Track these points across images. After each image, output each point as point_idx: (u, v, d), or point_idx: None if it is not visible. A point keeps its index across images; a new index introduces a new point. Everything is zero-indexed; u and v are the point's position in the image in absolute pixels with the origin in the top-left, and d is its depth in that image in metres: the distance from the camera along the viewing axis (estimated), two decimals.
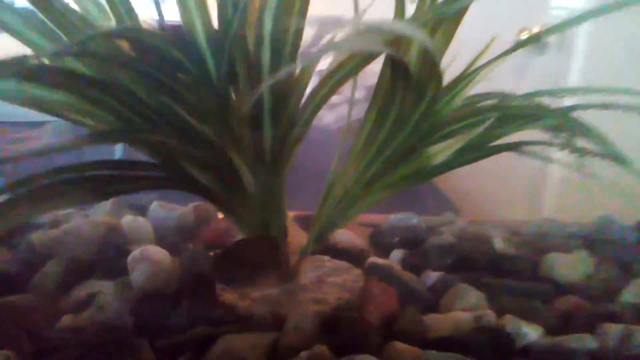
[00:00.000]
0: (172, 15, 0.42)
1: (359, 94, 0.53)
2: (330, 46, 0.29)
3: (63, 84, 0.37)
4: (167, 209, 0.65)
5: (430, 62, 0.40)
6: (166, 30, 0.39)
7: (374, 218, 0.75)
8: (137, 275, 0.47)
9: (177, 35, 0.39)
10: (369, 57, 0.40)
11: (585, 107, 0.49)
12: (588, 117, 0.46)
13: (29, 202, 0.32)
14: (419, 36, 0.30)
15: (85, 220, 0.55)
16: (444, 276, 0.55)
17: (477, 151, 0.47)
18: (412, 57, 0.46)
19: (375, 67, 0.45)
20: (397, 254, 0.62)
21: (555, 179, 1.13)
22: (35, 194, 0.33)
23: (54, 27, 0.37)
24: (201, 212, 0.66)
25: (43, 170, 0.33)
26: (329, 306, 0.49)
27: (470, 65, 0.45)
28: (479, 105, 0.46)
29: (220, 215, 0.66)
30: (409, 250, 0.63)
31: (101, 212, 0.62)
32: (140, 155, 0.42)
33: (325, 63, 0.46)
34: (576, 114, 0.46)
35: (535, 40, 1.00)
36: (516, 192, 1.26)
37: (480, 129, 0.41)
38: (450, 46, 0.49)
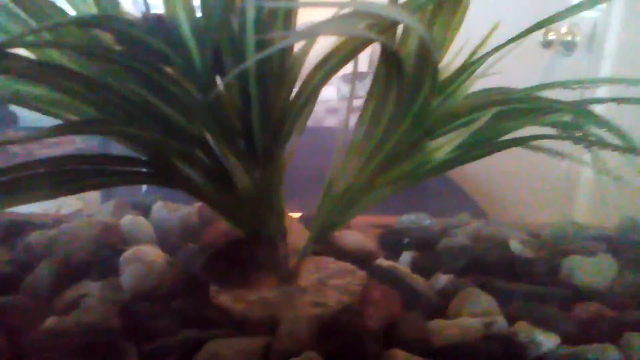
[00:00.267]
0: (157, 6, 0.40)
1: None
2: (313, 28, 0.27)
3: (43, 77, 0.35)
4: (171, 209, 0.63)
5: (425, 52, 0.37)
6: (149, 20, 0.37)
7: (389, 220, 0.72)
8: (127, 276, 0.45)
9: (160, 26, 0.38)
10: (360, 45, 0.37)
11: (598, 100, 0.46)
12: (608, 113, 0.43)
13: None
14: (404, 19, 0.28)
15: (83, 220, 0.54)
16: (455, 279, 0.52)
17: (483, 147, 0.44)
18: (411, 46, 0.43)
19: None
20: (407, 256, 0.59)
21: (588, 182, 1.08)
22: (4, 187, 0.31)
23: (28, 18, 0.36)
24: (206, 212, 0.65)
25: (13, 164, 0.32)
26: (329, 310, 0.47)
27: (470, 57, 0.42)
28: (482, 98, 0.43)
29: None
30: (419, 252, 0.59)
31: (104, 212, 0.61)
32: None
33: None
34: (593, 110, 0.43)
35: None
36: (547, 196, 1.20)
37: (481, 122, 0.38)
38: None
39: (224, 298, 0.47)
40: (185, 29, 0.39)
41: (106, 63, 0.38)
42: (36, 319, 0.41)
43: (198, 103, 0.39)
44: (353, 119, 0.48)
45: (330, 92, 2.58)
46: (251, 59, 0.34)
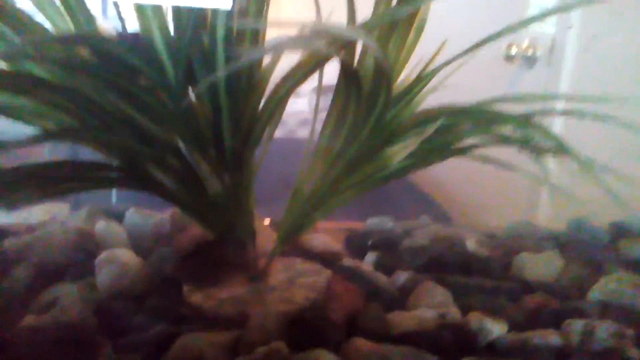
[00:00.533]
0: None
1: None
2: (277, 44, 0.30)
3: (22, 88, 0.38)
4: (144, 215, 0.65)
5: (379, 67, 0.41)
6: (124, 37, 0.40)
7: (355, 225, 0.76)
8: (103, 276, 0.47)
9: (136, 42, 0.41)
10: (322, 60, 0.41)
11: (543, 113, 0.50)
12: (574, 128, 0.47)
13: None
14: (358, 37, 0.31)
15: (58, 226, 0.56)
16: (414, 276, 0.55)
17: (436, 154, 0.48)
18: (369, 62, 0.47)
19: None
20: (371, 256, 0.63)
21: (547, 188, 1.14)
22: None
23: (10, 33, 0.38)
24: (178, 218, 0.67)
25: None
26: (296, 306, 0.50)
27: (423, 71, 0.46)
28: (433, 110, 0.47)
29: None
30: (383, 253, 0.63)
31: (77, 219, 0.63)
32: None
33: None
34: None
35: None
36: (511, 200, 1.26)
37: (430, 131, 0.42)
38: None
39: (196, 296, 0.50)
40: (160, 45, 0.42)
41: (84, 75, 0.41)
42: (14, 318, 0.43)
43: (171, 112, 0.42)
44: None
45: (302, 105, 2.62)
46: (220, 72, 0.37)
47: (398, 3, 0.43)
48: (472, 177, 1.39)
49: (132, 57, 0.41)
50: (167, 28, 0.42)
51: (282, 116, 0.52)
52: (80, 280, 0.49)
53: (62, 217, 0.66)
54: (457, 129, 0.49)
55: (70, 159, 0.39)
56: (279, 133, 0.54)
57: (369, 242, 0.67)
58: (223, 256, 0.52)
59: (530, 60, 1.24)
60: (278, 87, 0.43)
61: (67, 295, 0.45)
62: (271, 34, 0.45)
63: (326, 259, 0.61)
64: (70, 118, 0.41)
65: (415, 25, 0.49)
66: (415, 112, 0.50)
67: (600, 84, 1.01)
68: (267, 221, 0.71)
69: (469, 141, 0.51)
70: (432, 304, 0.50)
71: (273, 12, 0.47)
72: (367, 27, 0.40)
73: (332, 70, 0.49)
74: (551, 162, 0.51)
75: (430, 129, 0.44)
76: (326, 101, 0.53)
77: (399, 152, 0.47)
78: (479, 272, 0.58)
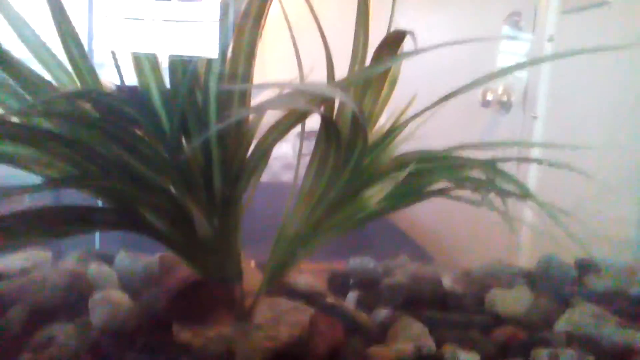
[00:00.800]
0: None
1: None
2: (263, 104, 0.34)
3: (28, 139, 0.42)
4: (133, 258, 0.68)
5: (356, 119, 0.45)
6: (123, 91, 0.44)
7: (338, 265, 0.79)
8: (97, 316, 0.50)
9: (134, 96, 0.45)
10: (304, 115, 0.46)
11: (504, 159, 0.55)
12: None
13: None
14: (336, 96, 0.36)
15: (52, 269, 0.58)
16: (393, 312, 0.59)
17: (408, 197, 0.52)
18: (347, 114, 0.52)
19: None
20: (353, 295, 0.66)
21: (527, 228, 1.18)
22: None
23: (21, 90, 0.42)
24: (166, 261, 0.70)
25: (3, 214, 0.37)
26: (281, 342, 0.52)
27: (396, 122, 0.51)
28: (406, 156, 0.52)
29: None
30: (364, 291, 0.66)
31: (69, 261, 0.65)
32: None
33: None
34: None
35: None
36: (491, 240, 1.30)
37: (403, 175, 0.47)
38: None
39: (186, 334, 0.52)
40: (156, 99, 0.46)
41: (85, 127, 0.45)
42: (10, 357, 0.45)
43: (165, 160, 0.46)
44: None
45: (285, 149, 2.68)
46: (212, 129, 0.42)
47: (372, 62, 0.48)
48: (452, 217, 1.44)
49: (130, 109, 0.45)
50: (163, 83, 0.46)
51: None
52: (75, 320, 0.51)
53: (45, 263, 0.68)
54: (428, 173, 0.54)
55: (71, 204, 0.43)
56: (263, 177, 0.58)
57: (351, 282, 0.70)
58: (211, 296, 0.54)
59: (506, 105, 1.30)
60: (264, 137, 0.48)
61: (63, 334, 0.47)
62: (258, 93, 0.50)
63: (310, 298, 0.64)
64: (71, 166, 0.45)
65: (388, 79, 0.54)
66: (390, 157, 0.55)
67: (570, 126, 1.08)
68: (252, 263, 0.74)
69: (442, 184, 0.55)
70: (410, 338, 0.53)
71: (259, 69, 0.51)
72: (344, 84, 0.44)
73: (315, 115, 0.53)
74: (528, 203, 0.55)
75: (403, 173, 0.48)
76: (309, 145, 0.57)
77: (376, 194, 0.51)
78: (454, 307, 0.61)
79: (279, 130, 0.47)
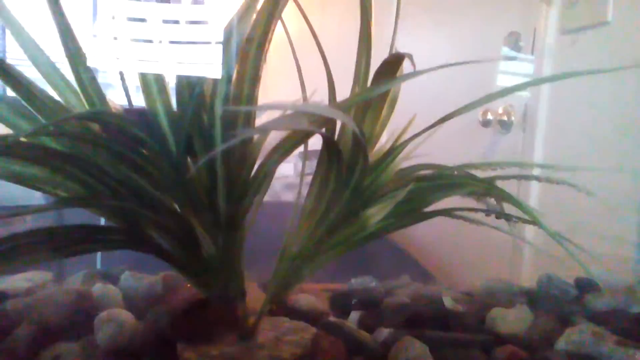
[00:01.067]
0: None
1: None
2: (267, 125, 0.36)
3: (38, 159, 0.43)
4: (137, 278, 0.69)
5: (357, 140, 0.47)
6: (131, 113, 0.46)
7: (340, 286, 0.79)
8: (103, 334, 0.50)
9: (142, 117, 0.46)
10: (307, 135, 0.47)
11: (503, 178, 0.56)
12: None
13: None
14: (337, 117, 0.37)
15: (58, 288, 0.59)
16: (395, 332, 0.59)
17: (409, 216, 0.53)
18: (348, 135, 0.53)
19: None
20: (355, 315, 0.66)
21: (528, 247, 1.19)
22: (4, 253, 0.38)
23: (33, 111, 0.44)
24: (170, 281, 0.70)
25: (9, 234, 0.38)
26: None
27: (396, 142, 0.52)
28: (406, 176, 0.53)
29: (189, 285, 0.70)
30: (366, 311, 0.67)
31: (74, 281, 0.66)
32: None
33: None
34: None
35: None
36: (493, 260, 1.31)
37: (403, 194, 0.48)
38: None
39: (189, 353, 0.52)
40: (163, 120, 0.47)
41: (94, 147, 0.46)
42: None
43: (172, 180, 0.47)
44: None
45: (287, 169, 2.69)
46: (218, 149, 0.43)
47: (372, 84, 0.49)
48: (453, 236, 1.45)
49: (137, 130, 0.47)
50: (170, 104, 0.48)
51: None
52: (80, 339, 0.51)
53: (46, 284, 0.69)
54: (429, 192, 0.55)
55: (79, 224, 0.44)
56: (264, 197, 0.59)
57: (353, 302, 0.70)
58: (214, 315, 0.55)
59: (505, 125, 1.32)
60: (267, 158, 0.49)
61: (69, 353, 0.47)
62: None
63: (312, 318, 0.64)
64: (80, 186, 0.46)
65: (388, 100, 0.56)
66: (390, 177, 0.56)
67: (570, 145, 1.10)
68: (255, 283, 0.74)
69: (442, 204, 0.56)
70: (411, 357, 0.53)
71: (262, 90, 0.53)
72: (346, 106, 0.46)
73: (316, 136, 0.55)
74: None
75: (403, 192, 0.49)
76: (311, 164, 0.58)
77: (377, 213, 0.52)
78: (455, 326, 0.61)
79: (282, 151, 0.48)
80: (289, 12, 0.52)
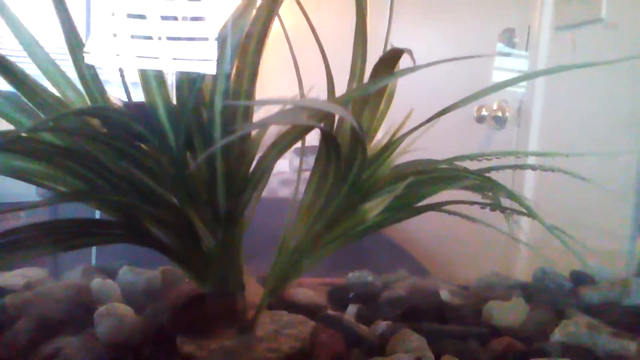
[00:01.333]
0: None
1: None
2: (266, 119, 0.36)
3: (39, 153, 0.43)
4: (136, 272, 0.69)
5: (355, 134, 0.47)
6: (131, 108, 0.46)
7: (337, 280, 0.80)
8: (103, 328, 0.50)
9: (141, 112, 0.46)
10: (305, 130, 0.47)
11: (498, 168, 0.57)
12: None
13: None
14: (335, 112, 0.37)
15: (57, 283, 0.59)
16: (392, 325, 0.60)
17: (406, 209, 0.54)
18: (346, 129, 0.53)
19: None
20: (352, 308, 0.67)
21: (524, 241, 1.20)
22: (5, 247, 0.38)
23: (34, 107, 0.44)
24: (168, 275, 0.71)
25: (9, 228, 0.38)
26: (282, 355, 0.53)
27: (393, 136, 0.53)
28: (403, 169, 0.53)
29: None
30: (363, 304, 0.67)
31: (73, 276, 0.66)
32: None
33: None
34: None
35: None
36: (489, 254, 1.31)
37: (400, 188, 0.48)
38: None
39: (189, 347, 0.53)
40: (162, 115, 0.47)
41: (94, 142, 0.46)
42: None
43: (171, 175, 0.47)
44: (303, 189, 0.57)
45: (283, 165, 2.70)
46: (217, 145, 0.43)
47: (370, 79, 0.50)
48: (448, 230, 1.45)
49: (137, 125, 0.47)
50: (170, 100, 0.48)
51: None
52: (80, 333, 0.51)
53: (42, 280, 0.69)
54: (426, 185, 0.55)
55: (78, 218, 0.44)
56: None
57: (350, 295, 0.71)
58: (214, 308, 0.55)
59: (500, 121, 1.33)
60: (266, 153, 0.49)
61: (69, 346, 0.48)
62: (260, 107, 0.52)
63: (310, 311, 0.65)
64: (79, 181, 0.46)
65: (385, 95, 0.56)
66: (388, 170, 0.56)
67: (564, 140, 1.10)
68: (254, 277, 0.75)
69: (438, 197, 0.57)
70: (409, 349, 0.54)
71: (260, 85, 0.53)
72: (344, 100, 0.46)
73: (313, 132, 0.55)
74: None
75: (401, 186, 0.49)
76: (307, 160, 0.59)
77: (375, 207, 0.52)
78: (451, 319, 0.62)
79: (280, 146, 0.49)
80: (284, 8, 0.52)
